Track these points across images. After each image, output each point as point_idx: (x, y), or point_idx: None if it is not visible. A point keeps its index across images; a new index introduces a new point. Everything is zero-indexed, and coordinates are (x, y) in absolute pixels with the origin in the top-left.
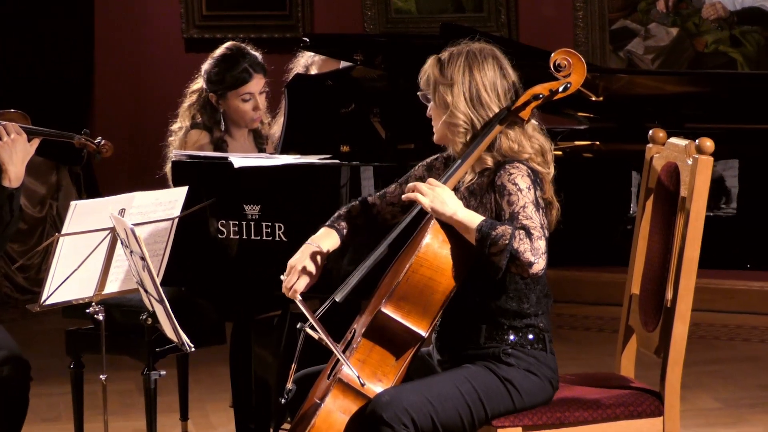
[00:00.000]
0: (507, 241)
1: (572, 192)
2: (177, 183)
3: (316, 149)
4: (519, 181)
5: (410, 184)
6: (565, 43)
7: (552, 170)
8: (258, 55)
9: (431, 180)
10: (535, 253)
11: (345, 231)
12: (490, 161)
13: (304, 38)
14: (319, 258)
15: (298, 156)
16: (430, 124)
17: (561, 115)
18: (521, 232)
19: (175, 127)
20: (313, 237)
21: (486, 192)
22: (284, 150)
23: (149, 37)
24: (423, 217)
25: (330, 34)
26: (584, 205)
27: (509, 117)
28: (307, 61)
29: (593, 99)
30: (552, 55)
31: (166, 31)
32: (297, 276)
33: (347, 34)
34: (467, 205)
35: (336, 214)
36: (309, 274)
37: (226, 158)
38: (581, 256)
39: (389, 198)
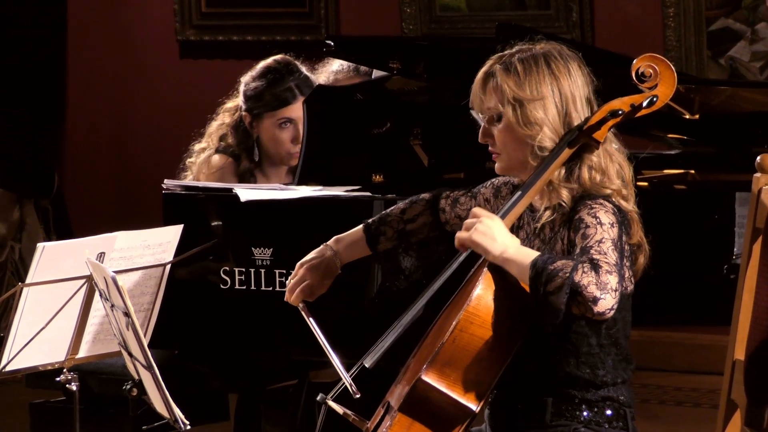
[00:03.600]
0: (567, 275)
1: (660, 233)
2: (169, 221)
3: (342, 179)
4: (601, 215)
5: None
6: (653, 47)
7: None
8: (312, 77)
9: (475, 210)
10: (601, 287)
11: (383, 239)
12: (565, 194)
13: (327, 41)
14: (330, 265)
15: (320, 188)
16: (483, 149)
17: (646, 137)
18: (586, 264)
19: (197, 147)
20: (336, 237)
21: (557, 230)
22: (302, 180)
23: (135, 39)
24: (475, 260)
25: (360, 36)
26: (675, 249)
27: (580, 138)
28: (330, 76)
29: (687, 117)
30: (634, 62)
31: (157, 32)
32: (302, 278)
33: (381, 36)
34: (527, 246)
35: (388, 210)
36: (316, 279)
37: (231, 190)
38: (672, 313)
39: (459, 209)
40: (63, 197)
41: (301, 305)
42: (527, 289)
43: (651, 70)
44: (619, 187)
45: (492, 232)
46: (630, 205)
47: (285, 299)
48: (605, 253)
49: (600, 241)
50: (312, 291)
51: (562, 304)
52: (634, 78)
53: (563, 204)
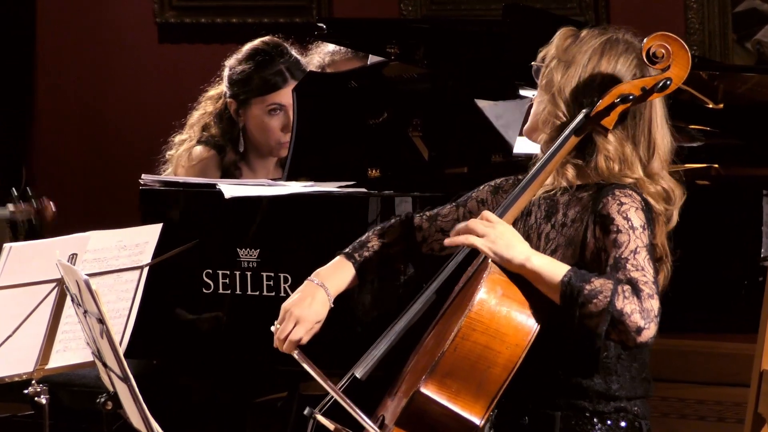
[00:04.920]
0: (607, 299)
1: (681, 232)
2: (147, 219)
3: (335, 174)
4: (633, 215)
5: (460, 224)
6: (673, 30)
7: (662, 206)
8: (302, 60)
9: (487, 214)
10: (645, 315)
11: (367, 264)
12: (571, 177)
13: (319, 24)
14: (321, 301)
15: (311, 183)
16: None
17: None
18: (626, 287)
19: (178, 138)
20: (318, 271)
21: (575, 218)
22: (292, 175)
23: (110, 22)
24: (473, 258)
25: (354, 19)
26: (697, 249)
27: (587, 126)
28: (325, 57)
29: (710, 106)
30: (644, 41)
31: (133, 14)
32: (293, 323)
33: (377, 19)
34: (535, 233)
35: (362, 238)
36: (308, 321)
37: (214, 185)
38: (693, 319)
39: (441, 222)
40: (31, 193)
41: (295, 353)
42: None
43: (663, 51)
44: (641, 177)
45: (511, 240)
46: (658, 204)
47: (275, 346)
48: (642, 269)
49: (635, 252)
50: (305, 333)
51: (601, 330)
52: (645, 59)
53: (569, 188)
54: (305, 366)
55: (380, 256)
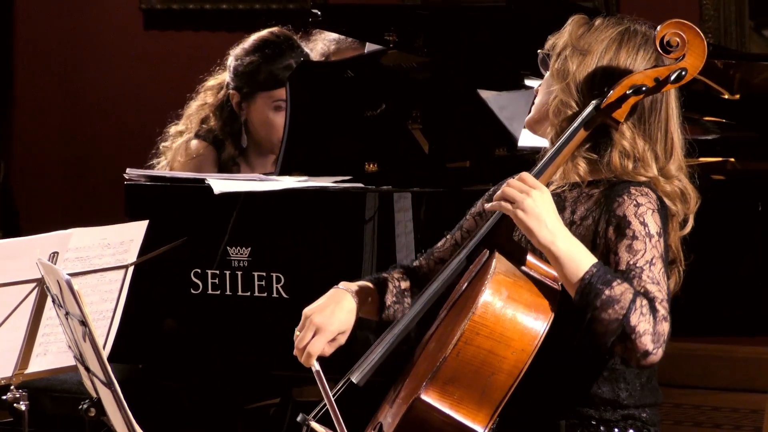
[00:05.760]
0: (624, 312)
1: (695, 229)
2: (132, 216)
3: (330, 168)
4: (649, 219)
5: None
6: (687, 17)
7: (678, 206)
8: (312, 54)
9: (525, 175)
10: (656, 338)
11: (390, 304)
12: (583, 171)
13: (314, 10)
14: (347, 309)
15: (305, 178)
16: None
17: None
18: (644, 303)
19: (174, 129)
20: (347, 283)
21: (584, 215)
22: (285, 169)
23: (92, 7)
24: (476, 256)
25: (351, 4)
26: (712, 248)
27: (597, 119)
28: (330, 45)
29: (726, 97)
30: (658, 29)
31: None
32: (312, 332)
33: (375, 5)
34: None
35: (377, 275)
36: (329, 331)
37: (203, 180)
38: (709, 322)
39: (439, 253)
40: (10, 188)
41: (316, 368)
42: (561, 284)
43: (678, 39)
44: (656, 175)
45: (542, 212)
46: (675, 207)
47: (295, 354)
48: (658, 282)
49: (651, 263)
50: (326, 344)
51: (608, 341)
52: (659, 48)
53: (599, 180)
54: (320, 386)
55: (396, 294)
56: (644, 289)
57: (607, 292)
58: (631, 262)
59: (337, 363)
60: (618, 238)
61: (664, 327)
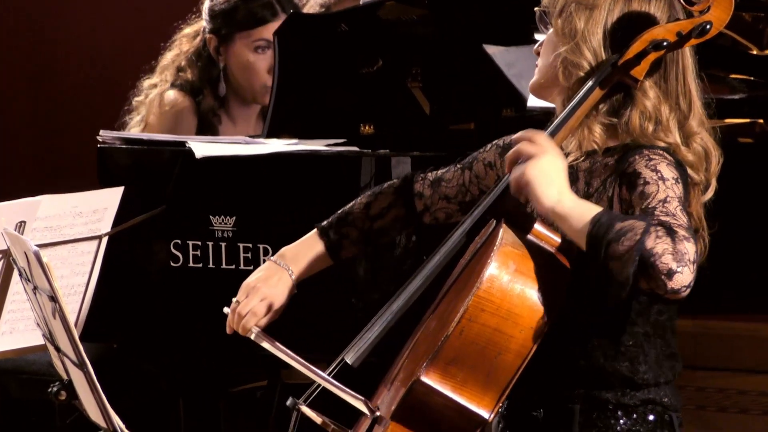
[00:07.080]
0: (637, 237)
1: (720, 196)
2: (106, 182)
3: (323, 131)
4: (663, 168)
5: (509, 152)
6: None
7: (701, 175)
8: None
9: (534, 134)
10: (678, 257)
11: (342, 243)
12: (599, 135)
13: None
14: (282, 286)
15: (295, 141)
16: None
17: (703, 78)
18: (659, 228)
19: (147, 83)
20: (283, 250)
21: (599, 186)
22: (273, 131)
23: None
24: (482, 226)
25: None
26: (739, 217)
27: (614, 76)
28: None
29: (754, 53)
30: None
31: None
32: (259, 299)
33: None
34: None
35: (347, 206)
36: (269, 305)
37: (184, 143)
38: (735, 298)
39: (446, 189)
40: None
41: (253, 333)
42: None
43: None
44: (677, 142)
45: (551, 173)
46: (698, 176)
47: (230, 330)
48: (674, 215)
49: (665, 201)
50: (265, 317)
51: (629, 274)
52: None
53: (597, 150)
54: (267, 345)
55: (364, 233)
56: (658, 221)
57: (618, 224)
58: (644, 206)
59: (331, 342)
60: (630, 192)
61: (687, 246)
